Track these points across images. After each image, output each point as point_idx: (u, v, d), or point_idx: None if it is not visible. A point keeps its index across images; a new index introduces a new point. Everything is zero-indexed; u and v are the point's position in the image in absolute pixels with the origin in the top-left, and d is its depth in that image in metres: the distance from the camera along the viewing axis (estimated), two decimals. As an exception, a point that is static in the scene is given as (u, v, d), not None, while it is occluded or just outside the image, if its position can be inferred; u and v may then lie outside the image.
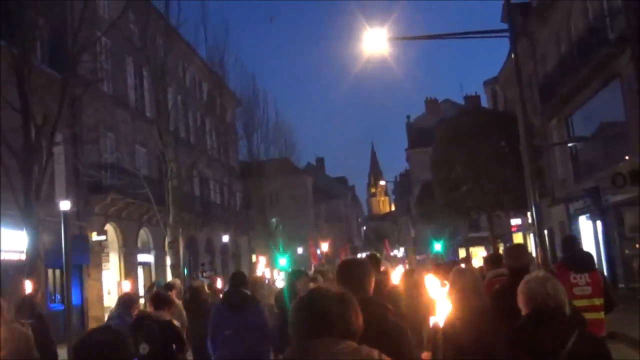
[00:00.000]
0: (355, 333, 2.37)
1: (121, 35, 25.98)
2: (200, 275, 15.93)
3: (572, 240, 6.69)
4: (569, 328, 3.31)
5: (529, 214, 27.47)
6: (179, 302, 9.93)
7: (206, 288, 10.25)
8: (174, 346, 6.31)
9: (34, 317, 7.31)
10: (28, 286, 9.43)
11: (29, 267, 11.36)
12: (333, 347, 2.24)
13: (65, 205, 16.06)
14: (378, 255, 8.99)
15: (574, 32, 22.79)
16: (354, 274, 3.68)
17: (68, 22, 19.77)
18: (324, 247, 42.15)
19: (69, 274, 15.74)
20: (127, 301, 7.34)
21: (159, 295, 6.87)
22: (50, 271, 20.38)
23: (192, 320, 8.77)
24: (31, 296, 8.34)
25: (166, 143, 19.81)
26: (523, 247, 6.48)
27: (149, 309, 6.61)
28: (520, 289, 3.52)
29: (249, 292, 6.87)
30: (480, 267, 9.44)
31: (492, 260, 7.34)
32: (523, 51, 28.67)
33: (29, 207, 11.25)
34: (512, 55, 14.90)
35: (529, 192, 12.95)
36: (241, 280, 6.87)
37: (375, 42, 14.30)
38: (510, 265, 5.43)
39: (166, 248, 21.96)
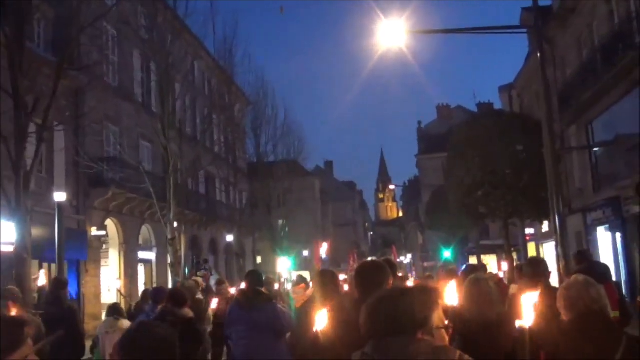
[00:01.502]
0: (424, 324, 2.29)
1: (129, 27, 25.43)
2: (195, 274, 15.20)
3: (586, 253, 6.70)
4: (617, 334, 3.20)
5: (544, 223, 26.74)
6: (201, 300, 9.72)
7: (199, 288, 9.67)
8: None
9: (56, 307, 7.69)
10: (41, 277, 9.06)
11: (16, 260, 10.62)
12: (410, 345, 2.20)
13: (60, 196, 15.42)
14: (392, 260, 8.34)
15: (596, 37, 21.96)
16: (372, 277, 3.68)
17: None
18: (323, 248, 41.29)
19: (62, 267, 15.12)
20: (157, 295, 7.47)
21: (178, 292, 6.91)
22: (46, 266, 19.63)
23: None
24: (44, 287, 8.66)
25: (169, 137, 19.07)
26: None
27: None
28: (562, 294, 3.41)
29: (264, 290, 6.80)
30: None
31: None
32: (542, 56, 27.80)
33: (18, 196, 10.49)
34: (537, 54, 13.97)
35: (551, 200, 12.09)
36: (257, 278, 6.82)
37: (390, 35, 13.46)
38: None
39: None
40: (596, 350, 3.11)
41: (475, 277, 4.76)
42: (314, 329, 3.83)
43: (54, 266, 20.32)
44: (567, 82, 23.79)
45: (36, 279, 19.36)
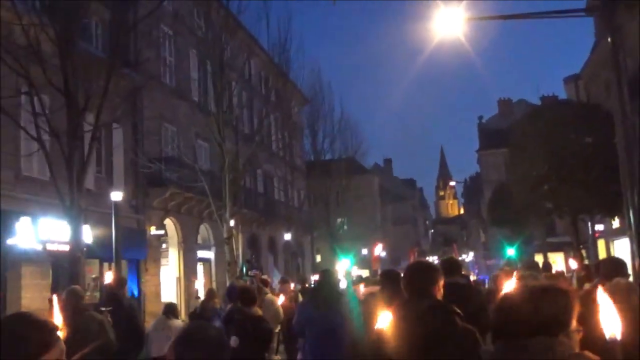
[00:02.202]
0: (567, 326, 2.16)
1: (185, 27, 25.57)
2: (245, 274, 14.96)
3: None
4: None
5: (615, 219, 25.41)
6: (274, 298, 9.91)
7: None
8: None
9: (115, 304, 7.89)
10: (108, 277, 9.78)
11: (70, 258, 10.63)
12: (553, 347, 2.08)
13: (116, 195, 15.52)
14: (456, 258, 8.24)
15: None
16: (420, 278, 3.68)
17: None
18: (378, 248, 40.65)
19: (120, 266, 15.23)
20: (230, 293, 7.70)
21: (247, 291, 6.94)
22: (106, 265, 19.87)
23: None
24: (111, 286, 8.95)
25: (224, 135, 18.97)
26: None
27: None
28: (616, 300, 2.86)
29: (339, 290, 6.78)
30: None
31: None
32: (609, 45, 26.45)
33: (71, 195, 10.47)
34: (605, 42, 13.11)
35: (625, 193, 11.28)
36: (332, 278, 6.76)
37: (447, 23, 12.86)
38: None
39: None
40: None
41: (522, 275, 4.76)
42: (376, 328, 3.71)
43: (123, 264, 20.69)
44: (638, 70, 22.46)
45: (96, 277, 19.76)
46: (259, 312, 6.67)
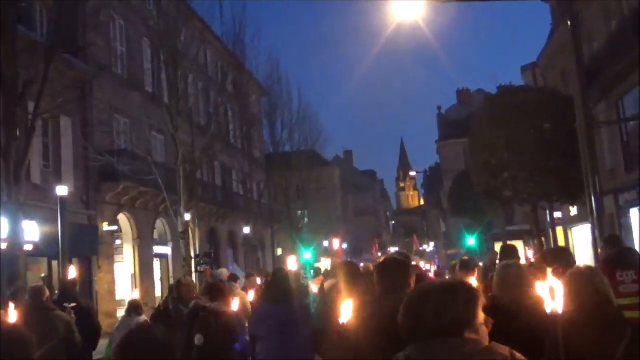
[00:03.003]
0: (471, 322, 2.14)
1: (137, 16, 24.69)
2: (195, 269, 14.35)
3: (617, 238, 6.54)
4: (620, 325, 3.23)
5: (572, 207, 25.56)
6: (244, 294, 9.56)
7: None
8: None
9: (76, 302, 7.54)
10: (71, 272, 9.27)
11: (6, 257, 9.91)
12: (460, 347, 2.06)
13: (62, 190, 14.66)
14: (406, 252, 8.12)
15: (626, 6, 20.73)
16: (395, 275, 3.77)
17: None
18: (335, 244, 40.36)
19: (65, 264, 14.44)
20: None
21: (212, 286, 6.82)
22: (55, 263, 19.03)
23: (179, 326, 7.15)
24: (73, 282, 8.69)
25: (177, 126, 18.29)
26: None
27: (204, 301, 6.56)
28: (565, 283, 3.22)
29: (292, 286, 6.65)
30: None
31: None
32: (567, 31, 26.56)
33: (9, 189, 9.75)
34: (561, 30, 12.93)
35: (586, 179, 11.10)
36: (283, 272, 6.71)
37: (405, 6, 12.50)
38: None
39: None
40: (599, 341, 3.12)
41: (506, 263, 4.51)
42: (340, 321, 3.63)
43: (73, 262, 19.82)
44: (595, 56, 22.55)
45: (45, 276, 18.89)
46: (224, 307, 6.42)
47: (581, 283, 3.36)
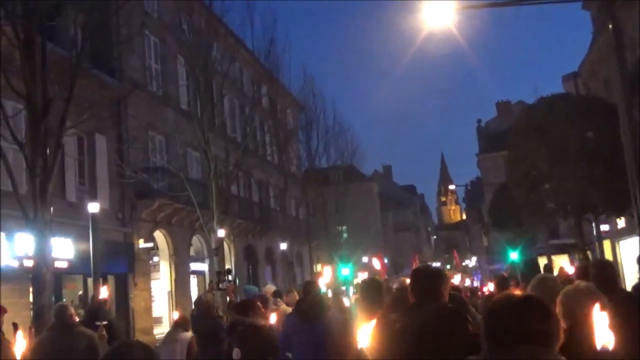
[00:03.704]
0: (556, 342, 2.21)
1: (170, 34, 24.85)
2: (217, 287, 14.08)
3: None
4: None
5: (619, 219, 24.52)
6: (287, 309, 9.26)
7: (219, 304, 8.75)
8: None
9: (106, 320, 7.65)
10: (103, 292, 9.42)
11: (33, 274, 9.83)
12: (544, 356, 2.13)
13: (94, 207, 14.69)
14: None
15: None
16: (429, 281, 3.63)
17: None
18: (375, 263, 39.72)
19: (97, 282, 14.38)
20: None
21: (241, 303, 6.96)
22: (90, 280, 19.05)
23: (200, 345, 6.91)
24: (104, 301, 8.82)
25: (209, 141, 18.18)
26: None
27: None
28: (559, 300, 3.37)
29: (323, 302, 6.65)
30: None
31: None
32: (608, 38, 25.73)
33: (35, 206, 9.68)
34: (602, 37, 12.35)
35: (633, 189, 10.47)
36: (314, 289, 6.81)
37: (438, 14, 12.13)
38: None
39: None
40: None
41: (542, 276, 4.55)
42: (358, 346, 3.68)
43: (109, 279, 19.82)
44: (638, 63, 21.70)
45: (81, 295, 18.92)
46: (261, 321, 6.44)
47: (575, 301, 3.30)
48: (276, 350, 6.35)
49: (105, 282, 20.31)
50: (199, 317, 7.16)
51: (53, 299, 13.28)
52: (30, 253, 14.66)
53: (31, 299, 15.45)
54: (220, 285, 13.77)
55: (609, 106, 17.29)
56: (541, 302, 2.30)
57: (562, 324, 2.99)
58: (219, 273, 14.48)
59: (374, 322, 3.85)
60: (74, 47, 12.34)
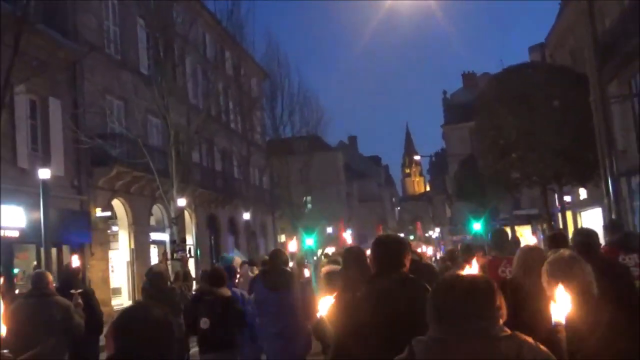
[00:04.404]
0: (502, 318, 2.27)
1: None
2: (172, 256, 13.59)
3: (619, 223, 6.69)
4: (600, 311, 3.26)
5: (581, 189, 24.67)
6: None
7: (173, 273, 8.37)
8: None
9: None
10: (75, 261, 9.14)
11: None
12: (488, 330, 2.18)
13: (45, 173, 14.00)
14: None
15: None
16: (390, 250, 3.63)
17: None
18: (347, 235, 39.61)
19: (49, 251, 13.79)
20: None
21: (215, 271, 6.78)
22: (42, 250, 18.34)
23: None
24: (77, 270, 8.74)
25: (168, 106, 17.46)
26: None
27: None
28: (544, 269, 3.47)
29: (289, 270, 6.83)
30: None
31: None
32: (576, 10, 25.59)
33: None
34: (570, 8, 12.02)
35: (602, 159, 10.28)
36: (281, 258, 6.78)
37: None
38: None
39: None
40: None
41: (529, 246, 4.55)
42: (318, 315, 3.70)
43: (54, 250, 19.10)
44: (607, 33, 21.60)
45: (35, 266, 18.20)
46: (228, 292, 6.38)
47: (559, 269, 3.36)
48: (243, 321, 6.36)
49: (59, 252, 19.74)
50: (152, 290, 6.73)
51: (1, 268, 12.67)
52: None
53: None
54: (175, 255, 13.27)
55: (576, 75, 17.13)
56: (485, 279, 2.36)
57: (548, 292, 3.19)
58: (174, 242, 13.97)
59: (335, 293, 3.85)
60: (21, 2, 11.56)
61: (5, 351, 4.32)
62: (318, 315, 3.81)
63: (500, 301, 2.28)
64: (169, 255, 13.80)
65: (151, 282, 6.93)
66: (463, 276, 2.47)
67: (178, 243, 14.19)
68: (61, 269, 12.12)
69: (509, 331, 2.22)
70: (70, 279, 8.32)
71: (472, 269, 4.73)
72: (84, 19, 21.83)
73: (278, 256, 6.78)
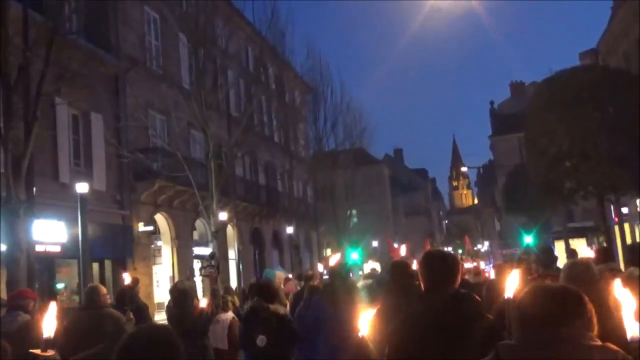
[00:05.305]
0: (593, 328, 2.28)
1: (172, 11, 23.90)
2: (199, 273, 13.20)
3: None
4: None
5: (639, 200, 23.39)
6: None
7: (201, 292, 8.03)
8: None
9: (134, 305, 7.79)
10: (127, 278, 9.49)
11: (5, 259, 9.00)
12: (579, 338, 2.20)
13: (82, 187, 13.83)
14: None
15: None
16: (444, 265, 3.48)
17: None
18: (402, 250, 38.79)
19: (87, 265, 13.62)
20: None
21: (268, 288, 6.61)
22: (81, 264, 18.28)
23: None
24: (130, 287, 8.84)
25: (207, 118, 17.26)
26: None
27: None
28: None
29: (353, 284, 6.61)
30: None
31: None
32: (629, 12, 24.58)
33: (7, 185, 8.83)
34: (622, 12, 11.24)
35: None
36: (343, 272, 6.59)
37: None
38: None
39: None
40: None
41: (573, 261, 4.50)
42: (360, 334, 3.34)
43: (96, 265, 19.08)
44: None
45: (78, 283, 18.18)
46: (282, 310, 6.34)
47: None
48: (296, 339, 6.23)
49: (101, 266, 19.73)
50: (176, 308, 6.36)
51: (37, 285, 12.53)
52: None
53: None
54: (202, 272, 12.89)
55: (631, 77, 16.19)
56: (576, 290, 2.36)
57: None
58: (204, 258, 13.64)
59: (374, 309, 3.72)
60: (70, 23, 11.56)
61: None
62: (359, 335, 3.48)
63: (591, 312, 2.29)
64: (196, 272, 13.45)
65: (174, 301, 6.56)
66: (553, 285, 2.49)
67: (207, 258, 13.83)
68: (106, 284, 12.26)
69: (599, 342, 2.22)
70: (124, 295, 8.61)
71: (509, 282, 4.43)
72: (125, 33, 21.97)
73: (336, 272, 6.63)
